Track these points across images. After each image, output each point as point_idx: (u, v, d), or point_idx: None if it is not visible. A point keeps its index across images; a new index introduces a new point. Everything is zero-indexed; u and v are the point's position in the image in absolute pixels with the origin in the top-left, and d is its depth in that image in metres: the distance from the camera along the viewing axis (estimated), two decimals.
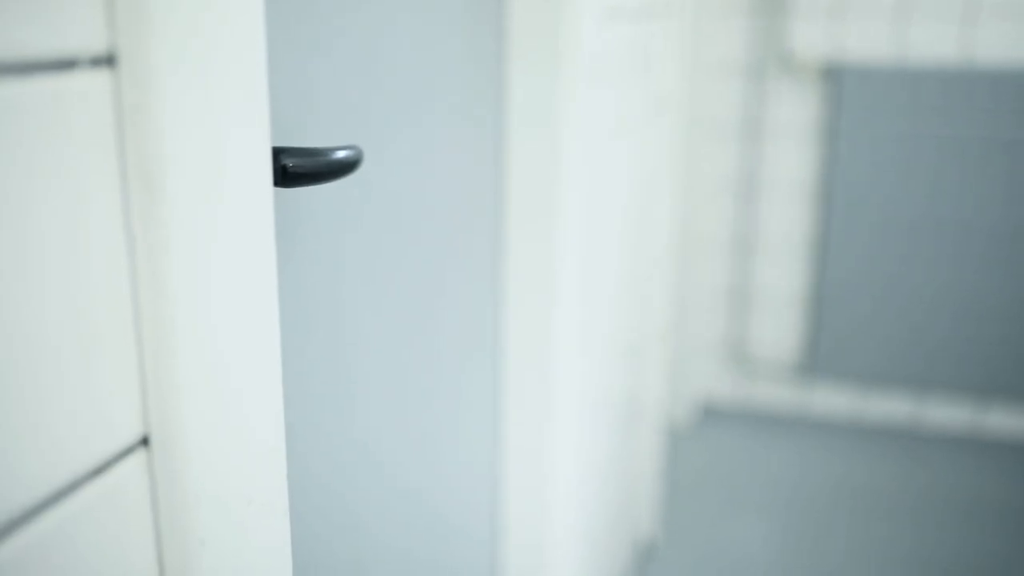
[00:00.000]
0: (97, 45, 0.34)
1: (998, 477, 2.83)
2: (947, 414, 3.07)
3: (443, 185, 0.99)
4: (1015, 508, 2.68)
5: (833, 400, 3.18)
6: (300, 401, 0.64)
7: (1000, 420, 3.04)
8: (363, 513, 0.91)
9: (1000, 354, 2.94)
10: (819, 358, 3.10)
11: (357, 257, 0.72)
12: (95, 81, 0.34)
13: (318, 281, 0.65)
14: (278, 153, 0.56)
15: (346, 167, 0.58)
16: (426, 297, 0.94)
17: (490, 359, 1.39)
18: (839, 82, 2.88)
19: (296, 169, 0.54)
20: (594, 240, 1.59)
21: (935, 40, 2.82)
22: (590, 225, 1.54)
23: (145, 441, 0.38)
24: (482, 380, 1.40)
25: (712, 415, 3.25)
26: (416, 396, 0.96)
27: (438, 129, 0.97)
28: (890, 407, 3.13)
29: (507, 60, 1.24)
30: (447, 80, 1.00)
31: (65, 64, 0.33)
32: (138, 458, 0.38)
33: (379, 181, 0.79)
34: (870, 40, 2.87)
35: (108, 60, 0.35)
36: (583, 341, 1.57)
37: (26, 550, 0.32)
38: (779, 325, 3.17)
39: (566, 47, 1.28)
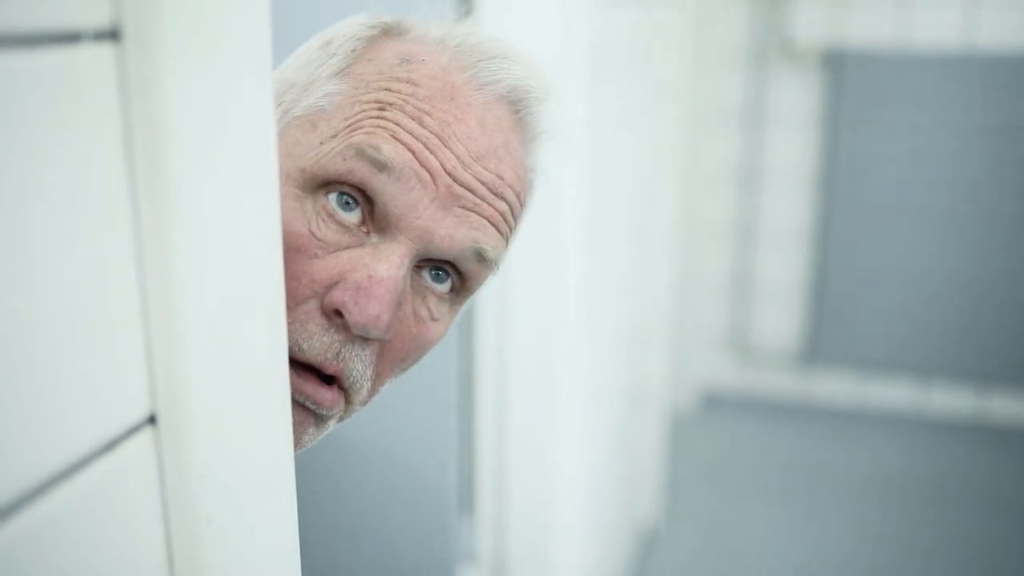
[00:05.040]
0: (101, 19, 0.34)
1: (1001, 463, 2.83)
2: (950, 401, 3.07)
3: None
4: (1018, 494, 2.68)
5: (835, 387, 3.18)
6: None
7: (1003, 406, 3.04)
8: (361, 497, 0.91)
9: (1003, 341, 2.94)
10: (821, 345, 3.10)
11: None
12: (99, 55, 0.34)
13: None
14: None
15: None
16: None
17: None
18: (840, 69, 2.88)
19: None
20: (598, 227, 1.58)
21: (937, 26, 2.81)
22: (594, 212, 1.53)
23: (152, 419, 0.38)
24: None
25: (715, 403, 3.25)
26: (418, 382, 0.96)
27: None
28: (892, 394, 3.13)
29: None
30: None
31: (69, 38, 0.32)
32: (145, 436, 0.37)
33: None
34: (872, 26, 2.86)
35: (112, 34, 0.34)
36: (588, 329, 1.57)
37: (34, 527, 0.32)
38: (781, 313, 3.17)
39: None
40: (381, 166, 0.54)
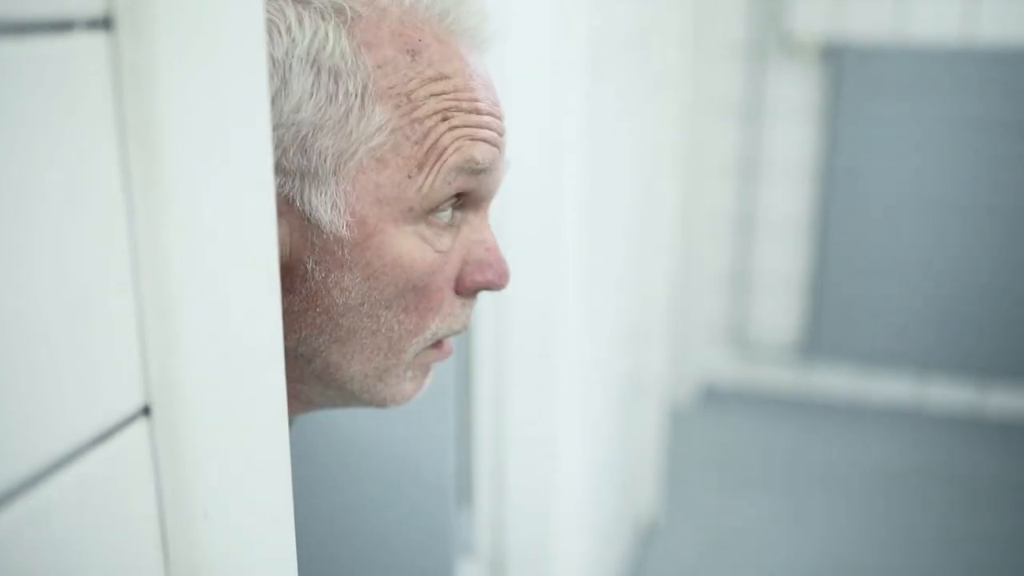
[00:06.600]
0: (94, 7, 0.33)
1: (1000, 457, 2.84)
2: (949, 394, 3.08)
3: None
4: (1018, 488, 2.68)
5: (834, 381, 3.18)
6: None
7: (1002, 400, 3.04)
8: (359, 491, 0.91)
9: (1002, 335, 2.94)
10: (820, 339, 3.10)
11: None
12: (92, 44, 0.33)
13: None
14: None
15: None
16: None
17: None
18: (840, 62, 2.87)
19: None
20: (598, 220, 1.58)
21: (936, 19, 2.81)
22: (594, 205, 1.53)
23: (146, 411, 0.37)
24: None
25: (714, 396, 3.25)
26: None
27: None
28: (891, 388, 3.13)
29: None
30: None
31: (62, 26, 0.32)
32: (139, 428, 0.37)
33: None
34: (871, 20, 2.86)
35: (105, 23, 0.34)
36: (587, 322, 1.56)
37: (28, 518, 0.32)
38: (780, 306, 3.17)
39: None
40: (481, 171, 0.60)
